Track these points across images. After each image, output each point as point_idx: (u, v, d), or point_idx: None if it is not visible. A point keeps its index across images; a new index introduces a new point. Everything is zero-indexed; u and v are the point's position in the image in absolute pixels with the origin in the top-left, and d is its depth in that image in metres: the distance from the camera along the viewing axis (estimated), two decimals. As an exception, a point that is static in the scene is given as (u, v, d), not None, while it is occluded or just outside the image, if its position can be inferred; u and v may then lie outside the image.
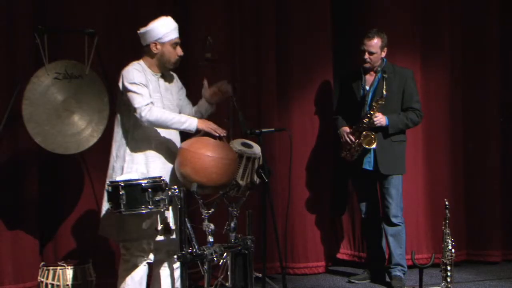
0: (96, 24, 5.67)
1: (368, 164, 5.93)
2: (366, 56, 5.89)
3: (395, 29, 6.53)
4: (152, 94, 4.63)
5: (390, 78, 5.86)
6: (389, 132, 5.88)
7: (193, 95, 6.12)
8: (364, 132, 5.82)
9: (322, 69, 6.58)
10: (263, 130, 5.23)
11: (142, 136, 4.66)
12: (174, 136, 4.81)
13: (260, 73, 6.40)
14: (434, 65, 6.75)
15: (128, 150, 4.64)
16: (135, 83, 4.56)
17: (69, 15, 5.79)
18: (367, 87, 5.96)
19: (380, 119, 5.82)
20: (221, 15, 6.26)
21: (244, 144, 5.12)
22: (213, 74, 5.65)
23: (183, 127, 4.66)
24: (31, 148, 5.59)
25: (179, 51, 4.72)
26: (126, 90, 4.58)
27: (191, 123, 4.66)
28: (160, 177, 4.55)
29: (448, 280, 5.29)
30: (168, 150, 4.74)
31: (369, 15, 6.65)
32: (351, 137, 5.91)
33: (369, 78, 5.99)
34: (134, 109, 4.55)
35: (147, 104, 4.54)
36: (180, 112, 4.85)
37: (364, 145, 5.81)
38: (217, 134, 4.67)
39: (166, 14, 6.03)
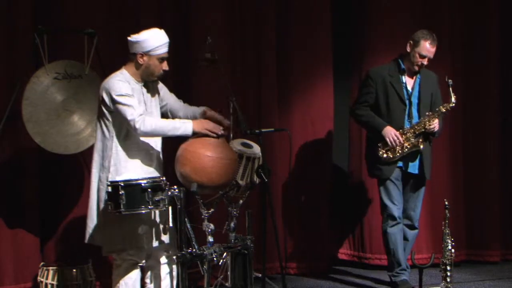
0: (96, 24, 5.67)
1: (413, 167, 5.78)
2: (426, 62, 5.74)
3: (395, 29, 6.53)
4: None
5: (427, 81, 5.79)
6: (435, 136, 5.82)
7: (193, 95, 6.16)
8: (418, 135, 5.69)
9: (322, 69, 6.57)
10: (263, 130, 5.22)
11: (125, 147, 4.59)
12: (156, 144, 4.73)
13: (260, 73, 6.40)
14: (434, 65, 6.73)
15: (112, 161, 4.57)
16: (122, 95, 4.48)
17: (69, 15, 5.79)
18: (409, 89, 5.82)
19: (437, 124, 5.72)
20: (221, 15, 6.26)
21: (244, 144, 5.12)
22: (213, 74, 5.65)
23: (178, 133, 4.56)
24: (31, 148, 5.59)
25: (165, 65, 4.63)
26: (115, 102, 4.49)
27: (186, 128, 4.57)
28: (160, 177, 4.55)
29: (448, 280, 5.30)
30: (150, 159, 4.68)
31: (369, 15, 6.65)
32: (400, 138, 5.71)
33: (409, 80, 5.84)
34: (128, 122, 4.49)
35: (140, 115, 4.48)
36: (169, 114, 4.81)
37: (420, 146, 5.68)
38: (215, 135, 4.62)
39: (166, 15, 6.13)
